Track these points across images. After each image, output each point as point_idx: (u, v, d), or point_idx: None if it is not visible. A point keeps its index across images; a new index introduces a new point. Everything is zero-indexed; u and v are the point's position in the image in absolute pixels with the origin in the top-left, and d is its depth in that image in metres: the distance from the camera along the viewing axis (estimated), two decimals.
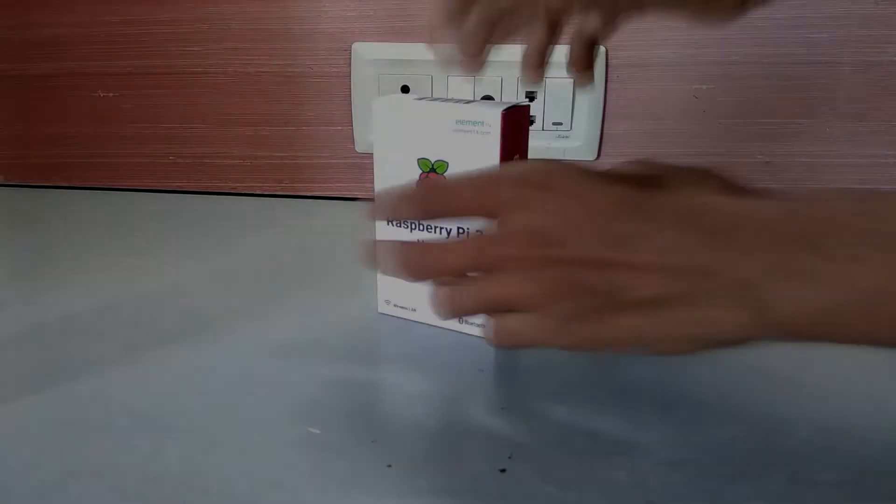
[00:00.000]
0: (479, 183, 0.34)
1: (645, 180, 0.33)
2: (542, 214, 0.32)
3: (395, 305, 0.48)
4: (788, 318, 0.28)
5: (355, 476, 0.33)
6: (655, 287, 0.30)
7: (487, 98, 0.47)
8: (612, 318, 0.31)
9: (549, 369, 0.42)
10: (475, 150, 0.42)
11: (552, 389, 0.40)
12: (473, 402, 0.39)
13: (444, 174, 0.43)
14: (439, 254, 0.34)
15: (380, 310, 0.49)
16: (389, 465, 0.33)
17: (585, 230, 0.31)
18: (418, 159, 0.43)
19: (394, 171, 0.44)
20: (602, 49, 0.70)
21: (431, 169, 0.43)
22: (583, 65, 0.44)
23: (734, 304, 0.29)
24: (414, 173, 0.43)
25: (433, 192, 0.35)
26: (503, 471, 0.33)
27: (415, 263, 0.35)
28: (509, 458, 0.34)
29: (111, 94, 0.81)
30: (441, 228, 0.44)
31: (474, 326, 0.46)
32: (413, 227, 0.44)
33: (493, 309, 0.34)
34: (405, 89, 0.74)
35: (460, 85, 0.72)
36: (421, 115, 0.43)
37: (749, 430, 0.36)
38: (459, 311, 0.35)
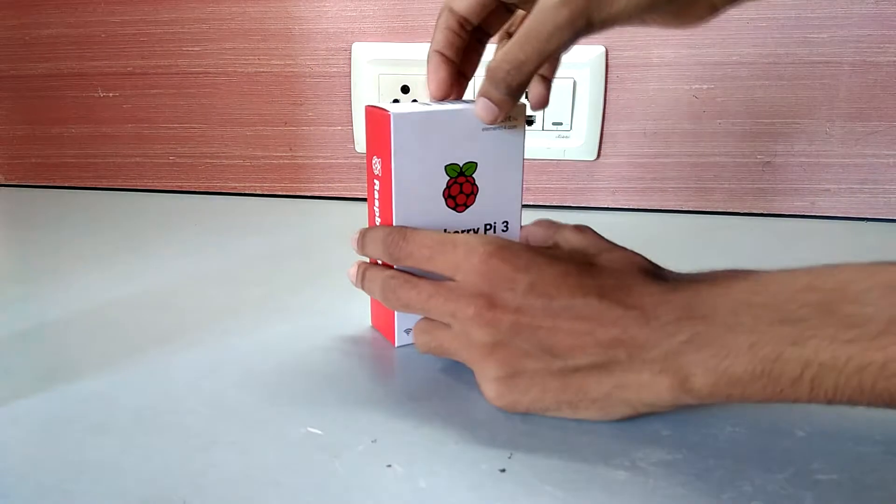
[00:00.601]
0: (439, 244, 0.39)
1: (581, 257, 0.38)
2: (490, 281, 0.36)
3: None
4: (705, 382, 0.32)
5: (355, 476, 0.33)
6: (595, 353, 0.34)
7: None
8: (553, 380, 0.35)
9: None
10: (503, 145, 0.43)
11: None
12: (473, 402, 0.39)
13: (474, 175, 0.43)
14: (408, 290, 0.39)
15: (398, 343, 0.45)
16: (389, 465, 0.33)
17: (530, 298, 0.35)
18: (446, 166, 0.42)
19: (420, 183, 0.42)
20: (602, 49, 0.71)
21: (460, 173, 0.42)
22: (543, 103, 0.47)
23: (661, 371, 0.33)
24: (440, 181, 0.42)
25: (401, 243, 0.40)
26: (503, 471, 0.33)
27: (391, 292, 0.40)
28: (509, 458, 0.34)
29: (111, 94, 0.81)
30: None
31: None
32: None
33: (446, 356, 0.40)
34: (405, 89, 0.74)
35: None
36: (447, 123, 0.42)
37: (749, 430, 0.36)
38: (425, 350, 0.40)
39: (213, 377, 0.41)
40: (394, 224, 0.42)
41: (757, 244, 0.66)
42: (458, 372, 0.41)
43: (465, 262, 0.37)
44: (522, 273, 0.36)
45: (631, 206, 0.75)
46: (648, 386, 0.33)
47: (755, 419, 0.37)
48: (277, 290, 0.54)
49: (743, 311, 0.32)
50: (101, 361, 0.43)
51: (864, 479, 0.33)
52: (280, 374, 0.42)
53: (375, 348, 0.45)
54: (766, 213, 0.74)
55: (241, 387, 0.40)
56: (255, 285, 0.55)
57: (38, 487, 0.32)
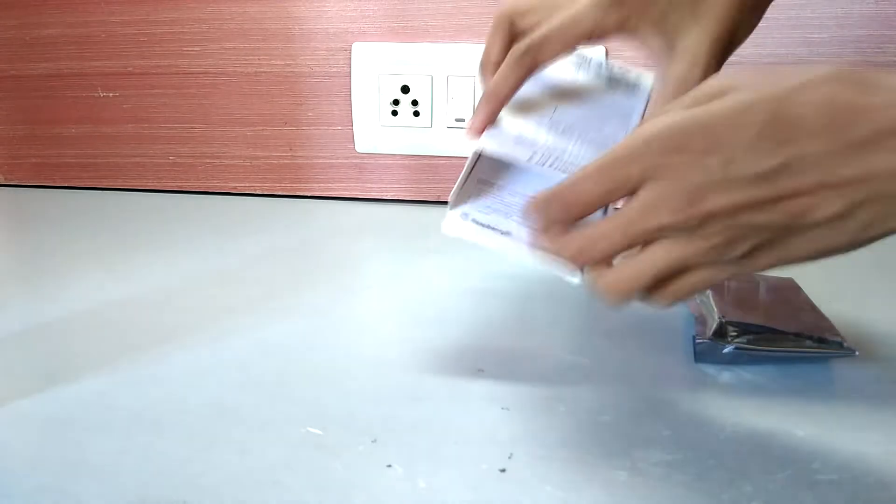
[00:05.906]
0: (601, 171, 0.33)
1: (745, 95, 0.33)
2: (683, 176, 0.31)
3: (474, 221, 0.39)
4: None
5: (355, 476, 0.33)
6: (838, 203, 0.30)
7: None
8: (792, 242, 0.31)
9: (550, 369, 0.42)
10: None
11: (552, 389, 0.40)
12: (474, 402, 0.39)
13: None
14: (592, 243, 0.33)
15: (445, 229, 0.39)
16: (389, 465, 0.33)
17: (735, 176, 0.30)
18: None
19: None
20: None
21: None
22: None
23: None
24: None
25: (555, 203, 0.34)
26: (503, 471, 0.33)
27: (574, 252, 0.34)
28: (509, 458, 0.34)
29: (111, 94, 0.81)
30: None
31: (570, 275, 0.36)
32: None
33: (663, 278, 0.33)
34: (405, 89, 0.74)
35: (461, 84, 0.72)
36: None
37: (749, 431, 0.36)
38: (631, 292, 0.34)
39: (213, 377, 0.41)
40: None
41: None
42: (461, 370, 0.41)
43: (645, 171, 0.32)
44: (711, 152, 0.31)
45: None
46: (892, 214, 0.30)
47: (755, 419, 0.37)
48: (277, 290, 0.54)
49: None
50: (101, 361, 0.43)
51: (864, 479, 0.33)
52: (280, 374, 0.42)
53: (375, 348, 0.45)
54: None
55: (241, 387, 0.40)
56: (255, 285, 0.55)
57: (38, 487, 0.32)
